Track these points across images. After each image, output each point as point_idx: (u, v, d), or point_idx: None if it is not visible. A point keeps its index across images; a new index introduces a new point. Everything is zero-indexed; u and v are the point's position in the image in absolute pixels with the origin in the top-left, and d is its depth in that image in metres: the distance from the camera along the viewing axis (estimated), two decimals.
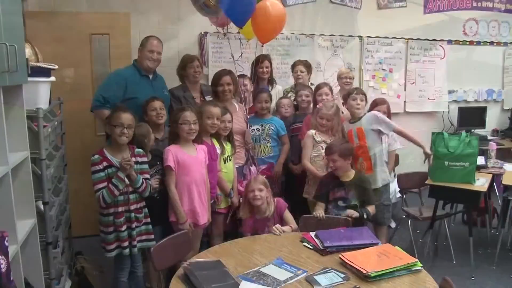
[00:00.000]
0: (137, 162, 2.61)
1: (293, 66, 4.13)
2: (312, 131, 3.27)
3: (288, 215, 2.75)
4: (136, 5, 4.42)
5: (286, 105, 3.79)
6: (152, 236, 2.68)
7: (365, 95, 3.31)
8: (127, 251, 2.57)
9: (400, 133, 3.31)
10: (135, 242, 2.59)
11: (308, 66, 4.13)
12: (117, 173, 2.50)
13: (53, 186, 2.60)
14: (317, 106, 3.42)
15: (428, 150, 3.25)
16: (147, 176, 2.67)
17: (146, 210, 2.67)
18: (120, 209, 2.54)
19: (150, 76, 3.43)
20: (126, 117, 2.54)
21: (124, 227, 2.55)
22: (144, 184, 2.61)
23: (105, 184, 2.49)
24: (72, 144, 3.75)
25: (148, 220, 2.69)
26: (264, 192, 2.69)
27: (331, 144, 2.98)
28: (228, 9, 3.34)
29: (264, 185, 2.71)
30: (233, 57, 3.43)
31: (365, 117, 3.22)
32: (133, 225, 2.58)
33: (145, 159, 2.69)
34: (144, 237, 2.65)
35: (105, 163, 2.51)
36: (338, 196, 2.83)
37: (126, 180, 2.52)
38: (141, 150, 2.69)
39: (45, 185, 2.32)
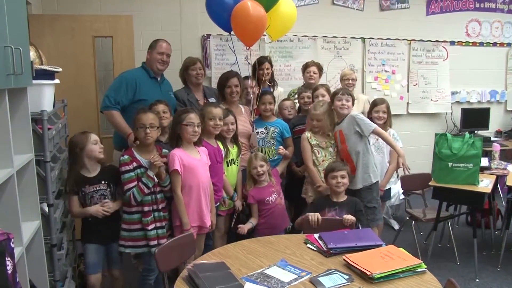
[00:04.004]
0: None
1: (306, 67, 4.08)
2: (307, 134, 3.27)
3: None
4: (139, 7, 4.45)
5: (289, 107, 3.79)
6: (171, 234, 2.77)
7: (351, 95, 3.22)
8: (154, 249, 2.60)
9: (379, 135, 3.21)
10: (162, 241, 2.64)
11: (320, 69, 4.10)
12: (147, 172, 2.61)
13: (57, 188, 2.61)
14: (311, 106, 3.41)
15: (403, 161, 3.10)
16: None
17: (169, 207, 2.79)
18: (146, 208, 2.64)
19: (158, 79, 3.45)
20: (147, 118, 2.64)
21: (151, 226, 2.65)
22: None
23: (135, 183, 2.60)
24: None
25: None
26: (265, 167, 3.08)
27: (338, 163, 2.99)
28: (211, 14, 3.47)
29: (264, 161, 3.10)
30: (246, 59, 3.52)
31: (346, 119, 3.17)
32: (159, 224, 2.69)
33: None
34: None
35: (134, 164, 2.63)
36: (329, 217, 2.77)
37: (156, 179, 2.63)
38: (167, 151, 2.77)
39: (50, 187, 2.33)
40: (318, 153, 3.23)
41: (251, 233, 2.98)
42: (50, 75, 2.51)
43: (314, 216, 2.64)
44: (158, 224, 2.70)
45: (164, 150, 2.78)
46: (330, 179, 2.88)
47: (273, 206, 3.07)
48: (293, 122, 3.68)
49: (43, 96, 2.42)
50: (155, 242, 2.65)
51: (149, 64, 3.41)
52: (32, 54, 2.47)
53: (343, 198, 2.88)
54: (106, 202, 2.63)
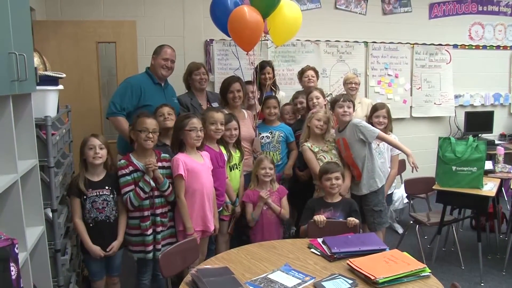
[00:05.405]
0: (163, 167, 2.70)
1: (303, 72, 4.08)
2: (308, 144, 3.25)
3: (284, 202, 3.17)
4: (142, 12, 4.47)
5: (290, 112, 3.79)
6: (175, 239, 2.74)
7: (352, 102, 3.23)
8: (150, 255, 2.65)
9: (383, 139, 3.23)
10: (159, 246, 2.66)
11: (316, 73, 4.11)
12: (143, 176, 2.60)
13: (61, 193, 2.62)
14: (311, 111, 3.38)
15: (413, 160, 3.04)
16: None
17: (171, 214, 2.76)
18: (145, 213, 2.63)
19: (162, 84, 3.46)
20: (151, 122, 2.66)
21: (150, 231, 2.64)
22: (170, 188, 2.70)
23: (131, 187, 2.60)
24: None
25: (173, 223, 2.77)
26: (273, 171, 3.13)
27: (332, 164, 3.00)
28: (214, 20, 3.51)
29: (273, 164, 3.15)
30: (252, 64, 3.52)
31: (348, 127, 3.17)
32: (158, 229, 2.67)
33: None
34: (167, 241, 2.73)
35: (131, 168, 2.63)
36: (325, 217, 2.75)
37: (152, 183, 2.61)
38: (167, 156, 2.77)
39: (54, 193, 2.33)
40: (325, 158, 3.21)
41: (246, 240, 3.00)
42: (54, 81, 2.52)
43: (320, 217, 2.65)
44: (156, 229, 2.67)
45: (163, 155, 2.77)
46: (325, 181, 2.89)
47: (267, 211, 3.07)
48: (294, 127, 3.67)
49: (47, 102, 2.44)
50: (151, 247, 2.65)
51: (153, 70, 3.42)
52: (36, 60, 2.49)
53: (337, 198, 2.90)
54: (112, 247, 2.58)
